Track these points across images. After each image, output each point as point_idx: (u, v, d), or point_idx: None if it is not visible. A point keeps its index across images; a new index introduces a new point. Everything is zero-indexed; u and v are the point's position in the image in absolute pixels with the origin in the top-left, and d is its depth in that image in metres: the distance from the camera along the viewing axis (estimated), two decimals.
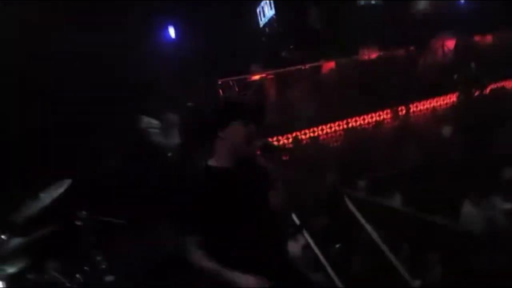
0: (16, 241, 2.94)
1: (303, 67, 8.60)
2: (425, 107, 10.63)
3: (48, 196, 3.11)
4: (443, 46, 10.75)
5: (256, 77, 8.47)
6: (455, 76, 10.34)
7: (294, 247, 3.83)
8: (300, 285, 2.31)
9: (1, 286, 2.88)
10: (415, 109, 10.47)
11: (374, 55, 9.71)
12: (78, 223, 3.41)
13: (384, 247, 3.14)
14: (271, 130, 7.91)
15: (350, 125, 9.41)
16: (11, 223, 2.88)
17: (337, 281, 3.54)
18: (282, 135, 8.03)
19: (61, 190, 3.16)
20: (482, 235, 4.94)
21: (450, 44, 10.82)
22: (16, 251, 2.85)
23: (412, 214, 3.51)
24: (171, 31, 7.99)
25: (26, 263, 3.22)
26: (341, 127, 9.38)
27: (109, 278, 3.55)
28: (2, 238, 2.83)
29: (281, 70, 8.49)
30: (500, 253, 4.23)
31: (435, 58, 10.68)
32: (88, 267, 3.36)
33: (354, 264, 4.06)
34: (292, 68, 8.56)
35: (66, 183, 3.22)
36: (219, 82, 7.77)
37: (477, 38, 11.16)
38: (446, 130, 8.44)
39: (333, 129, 9.23)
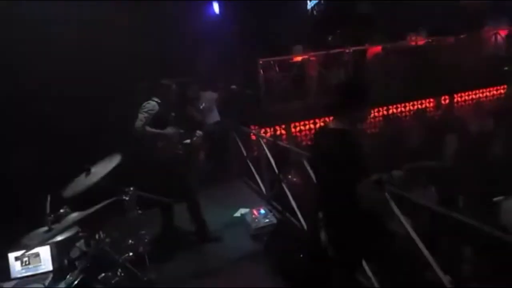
0: (73, 215, 3.13)
1: (347, 50, 8.39)
2: (470, 97, 10.28)
3: (99, 172, 3.25)
4: (495, 35, 10.22)
5: (298, 58, 8.35)
6: (506, 68, 9.86)
7: None
8: None
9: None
10: (459, 99, 10.14)
11: (421, 42, 9.34)
12: (125, 198, 3.56)
13: (418, 241, 3.14)
14: (310, 112, 7.90)
15: (390, 111, 9.25)
16: (68, 198, 3.04)
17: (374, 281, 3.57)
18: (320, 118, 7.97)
19: (112, 165, 3.28)
20: None
21: (503, 33, 10.26)
22: (72, 224, 3.02)
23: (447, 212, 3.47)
24: (216, 7, 7.93)
25: (75, 231, 3.42)
26: (380, 113, 9.22)
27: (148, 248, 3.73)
28: (62, 212, 3.02)
29: (324, 52, 8.31)
30: None
31: (486, 47, 10.17)
32: (133, 240, 3.52)
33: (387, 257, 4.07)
34: (336, 50, 8.37)
35: (117, 158, 3.33)
36: (260, 62, 7.71)
37: None
38: (489, 124, 8.11)
39: (372, 114, 9.08)
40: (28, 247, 3.03)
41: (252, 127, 7.13)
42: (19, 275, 3.72)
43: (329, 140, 2.73)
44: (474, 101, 10.07)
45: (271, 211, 5.20)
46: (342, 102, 2.70)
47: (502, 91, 10.43)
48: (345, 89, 2.78)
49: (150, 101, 4.38)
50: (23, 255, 3.62)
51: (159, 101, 4.39)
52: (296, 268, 3.82)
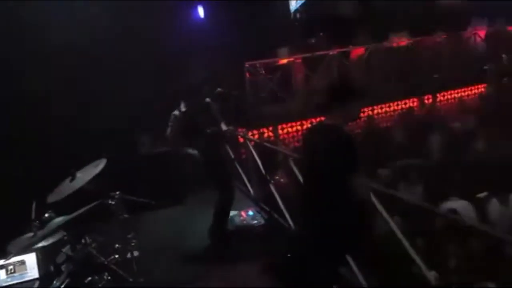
0: (58, 220, 3.10)
1: (331, 53, 8.49)
2: (452, 96, 10.44)
3: (84, 176, 3.23)
4: (475, 35, 10.45)
5: (284, 61, 8.42)
6: (486, 67, 10.07)
7: None
8: None
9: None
10: (442, 98, 10.30)
11: (403, 43, 9.51)
12: (111, 202, 3.54)
13: (402, 237, 3.18)
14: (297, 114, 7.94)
15: (375, 111, 9.34)
16: (53, 203, 3.02)
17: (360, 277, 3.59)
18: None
19: (97, 170, 3.26)
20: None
21: (482, 33, 10.50)
22: (57, 228, 2.99)
23: (431, 209, 3.52)
24: (200, 11, 7.95)
25: (61, 237, 3.38)
26: (365, 114, 9.31)
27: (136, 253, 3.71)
28: (46, 217, 3.00)
29: (309, 55, 8.39)
30: None
31: (466, 47, 10.39)
32: (120, 244, 3.51)
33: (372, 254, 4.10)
34: (320, 53, 8.46)
35: (102, 163, 3.32)
36: (246, 65, 7.75)
37: (510, 28, 10.77)
38: (472, 122, 8.25)
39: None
40: (13, 254, 2.99)
41: (240, 129, 7.14)
42: (4, 284, 3.65)
43: (323, 135, 2.78)
44: (457, 100, 10.24)
45: (259, 213, 5.22)
46: (336, 100, 2.76)
47: (482, 89, 10.63)
48: (339, 87, 2.85)
49: (174, 112, 4.59)
50: (7, 263, 3.56)
51: (183, 110, 4.53)
52: (285, 267, 3.84)
